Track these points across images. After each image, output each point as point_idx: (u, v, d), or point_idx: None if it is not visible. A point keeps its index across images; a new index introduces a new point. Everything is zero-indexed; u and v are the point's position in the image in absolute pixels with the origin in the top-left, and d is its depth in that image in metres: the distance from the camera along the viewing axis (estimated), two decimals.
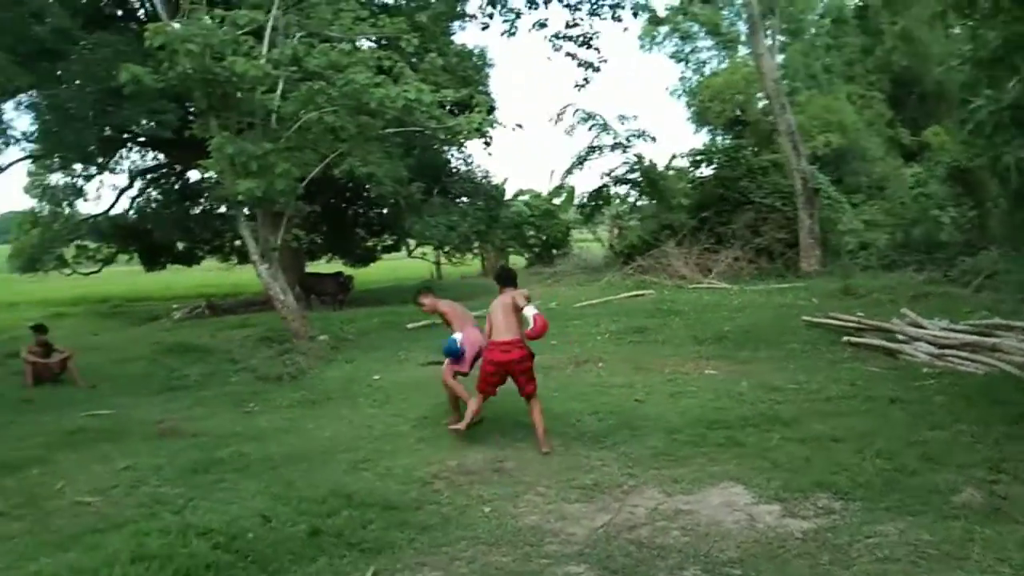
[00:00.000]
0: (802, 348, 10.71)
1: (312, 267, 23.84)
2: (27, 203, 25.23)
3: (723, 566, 4.34)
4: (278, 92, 12.34)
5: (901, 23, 29.78)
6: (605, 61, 21.05)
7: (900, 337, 10.15)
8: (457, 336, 7.26)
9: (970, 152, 17.73)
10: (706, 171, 22.17)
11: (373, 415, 8.29)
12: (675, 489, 5.57)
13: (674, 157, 24.05)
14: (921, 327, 10.30)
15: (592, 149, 22.70)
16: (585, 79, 21.49)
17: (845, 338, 10.65)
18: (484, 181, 23.68)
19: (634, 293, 17.09)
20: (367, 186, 17.81)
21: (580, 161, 23.03)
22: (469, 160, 23.80)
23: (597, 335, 12.62)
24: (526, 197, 28.76)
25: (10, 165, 20.21)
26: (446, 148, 21.94)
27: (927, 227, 19.18)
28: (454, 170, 23.21)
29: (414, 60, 13.92)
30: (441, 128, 12.91)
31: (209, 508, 5.28)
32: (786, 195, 19.70)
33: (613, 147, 22.38)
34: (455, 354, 7.26)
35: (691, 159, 22.58)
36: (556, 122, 22.82)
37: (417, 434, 7.35)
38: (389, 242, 26.27)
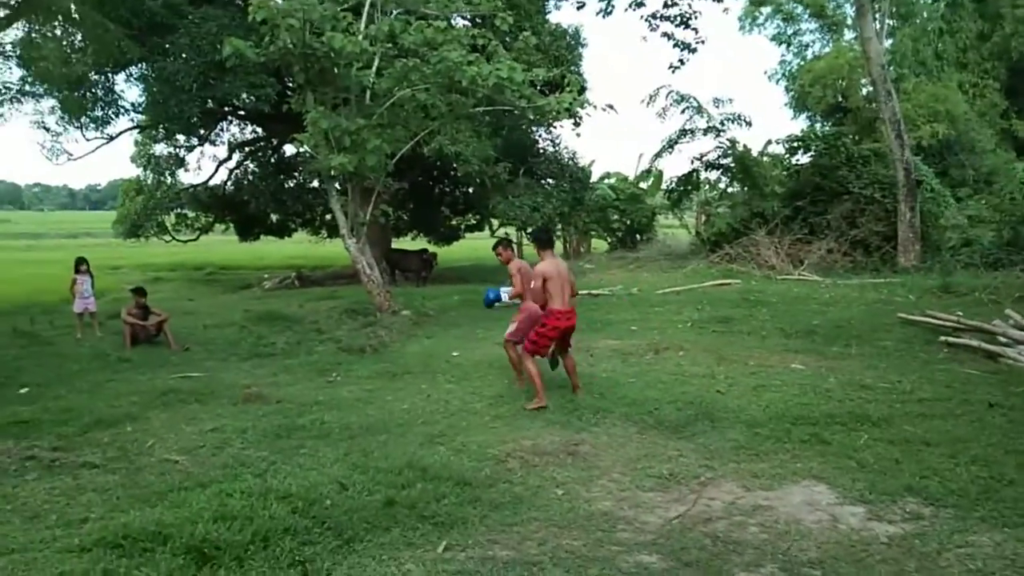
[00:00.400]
0: (896, 346, 10.25)
1: (398, 243, 24.24)
2: (133, 172, 26.47)
3: (802, 566, 4.20)
4: (373, 68, 12.52)
5: None
6: (703, 42, 20.52)
7: (1002, 339, 9.60)
8: (503, 292, 7.71)
9: None
10: (803, 158, 21.32)
11: (450, 391, 8.36)
12: (755, 484, 5.41)
13: (769, 143, 23.37)
14: None
15: (684, 132, 22.15)
16: (681, 60, 21.00)
17: (942, 338, 10.15)
18: (571, 162, 23.54)
19: (720, 282, 16.70)
20: (454, 165, 17.94)
21: (671, 144, 22.50)
22: (557, 141, 23.75)
23: (679, 323, 12.39)
24: (612, 180, 28.41)
25: (120, 134, 21.38)
26: (535, 128, 21.88)
27: None
28: (541, 151, 23.15)
29: (508, 38, 13.88)
30: (531, 107, 12.84)
31: (289, 473, 5.42)
32: (886, 186, 18.82)
33: (706, 131, 21.79)
34: (487, 302, 7.88)
35: (788, 145, 21.77)
36: (648, 104, 22.36)
37: (492, 412, 7.37)
38: (473, 221, 26.51)
